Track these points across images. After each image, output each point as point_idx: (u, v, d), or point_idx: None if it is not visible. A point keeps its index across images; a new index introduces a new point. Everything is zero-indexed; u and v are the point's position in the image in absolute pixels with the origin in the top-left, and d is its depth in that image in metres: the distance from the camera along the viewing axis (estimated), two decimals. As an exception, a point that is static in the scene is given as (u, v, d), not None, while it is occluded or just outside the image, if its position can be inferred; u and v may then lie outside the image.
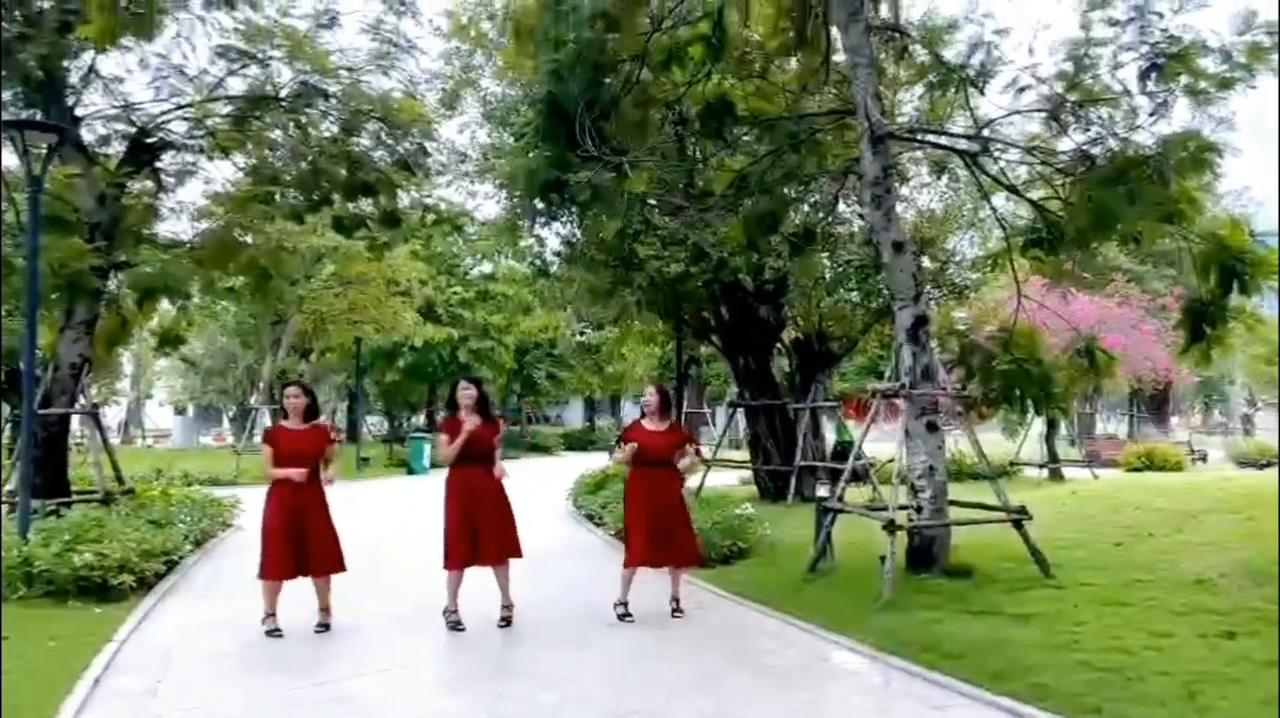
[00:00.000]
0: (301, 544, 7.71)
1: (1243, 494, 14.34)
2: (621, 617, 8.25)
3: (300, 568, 7.78)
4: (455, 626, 7.90)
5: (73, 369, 12.31)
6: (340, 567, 7.98)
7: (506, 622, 8.03)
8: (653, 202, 15.37)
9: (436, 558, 7.99)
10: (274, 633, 7.67)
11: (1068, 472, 24.18)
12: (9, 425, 12.61)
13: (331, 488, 7.97)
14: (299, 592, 7.94)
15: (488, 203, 37.03)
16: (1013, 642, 7.09)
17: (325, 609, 7.96)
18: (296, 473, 7.63)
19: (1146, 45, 9.71)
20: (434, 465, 29.09)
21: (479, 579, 8.05)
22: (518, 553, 8.12)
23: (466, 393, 8.07)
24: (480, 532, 7.87)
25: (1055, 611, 8.03)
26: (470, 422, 7.92)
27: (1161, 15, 9.64)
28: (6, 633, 7.31)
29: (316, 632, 7.80)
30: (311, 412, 8.06)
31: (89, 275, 11.57)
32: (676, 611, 8.45)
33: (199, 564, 11.38)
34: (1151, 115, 9.97)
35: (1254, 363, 45.82)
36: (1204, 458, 31.14)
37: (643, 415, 8.67)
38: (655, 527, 8.23)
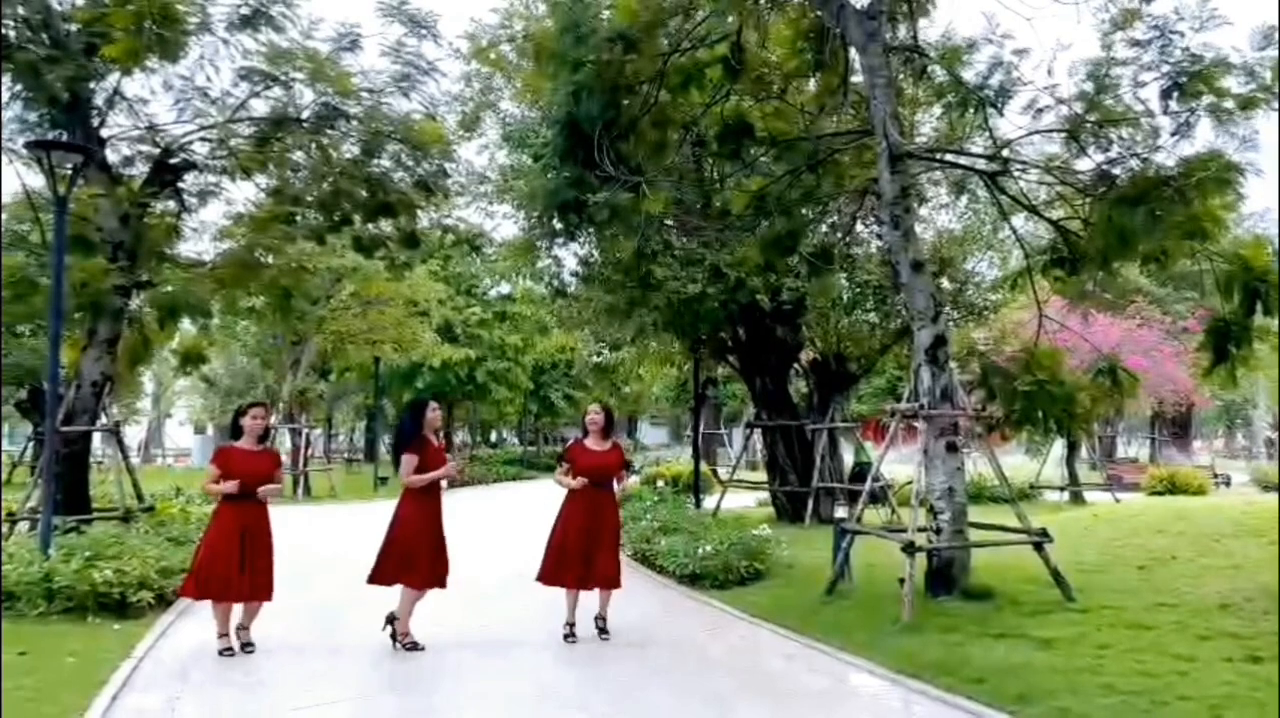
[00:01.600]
0: (241, 568, 7.56)
1: (1266, 518, 14.15)
2: (567, 637, 8.14)
3: (233, 591, 7.61)
4: (413, 647, 7.79)
5: (95, 387, 12.40)
6: (267, 595, 7.78)
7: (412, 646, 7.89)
8: (670, 222, 15.42)
9: (459, 578, 7.96)
10: (227, 652, 7.59)
11: (1089, 495, 23.98)
12: (32, 443, 12.68)
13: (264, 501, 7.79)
14: (310, 611, 7.94)
15: (506, 223, 37.30)
16: (1034, 665, 7.01)
17: (246, 628, 7.82)
18: (229, 485, 7.54)
19: (1168, 65, 9.69)
20: (451, 485, 29.05)
21: (488, 597, 8.03)
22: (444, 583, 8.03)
23: (435, 414, 8.07)
24: (438, 552, 7.88)
25: (1077, 634, 7.94)
26: (448, 467, 7.95)
27: (1183, 34, 9.62)
28: (25, 648, 7.35)
29: (223, 654, 7.60)
30: (265, 433, 8.01)
31: (111, 295, 11.67)
32: (604, 631, 8.28)
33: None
34: (1173, 135, 9.93)
35: (1277, 386, 45.41)
36: (1227, 482, 30.80)
37: (585, 434, 8.52)
38: (577, 547, 8.12)
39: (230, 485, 7.54)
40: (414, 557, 7.78)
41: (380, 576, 7.82)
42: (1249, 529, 13.06)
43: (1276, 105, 9.32)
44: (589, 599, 8.30)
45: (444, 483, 8.02)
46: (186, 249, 14.14)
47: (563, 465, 8.48)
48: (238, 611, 7.80)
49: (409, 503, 7.90)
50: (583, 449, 8.41)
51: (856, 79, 11.55)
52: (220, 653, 7.57)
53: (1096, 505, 20.87)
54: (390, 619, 7.88)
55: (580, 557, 8.12)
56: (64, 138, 11.82)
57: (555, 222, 14.51)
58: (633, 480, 8.52)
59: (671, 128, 12.19)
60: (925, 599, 9.20)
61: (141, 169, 13.18)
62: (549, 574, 8.25)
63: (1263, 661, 6.99)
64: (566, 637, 8.15)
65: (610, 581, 8.26)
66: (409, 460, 7.82)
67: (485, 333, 36.58)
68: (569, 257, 18.86)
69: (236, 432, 7.89)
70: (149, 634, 8.28)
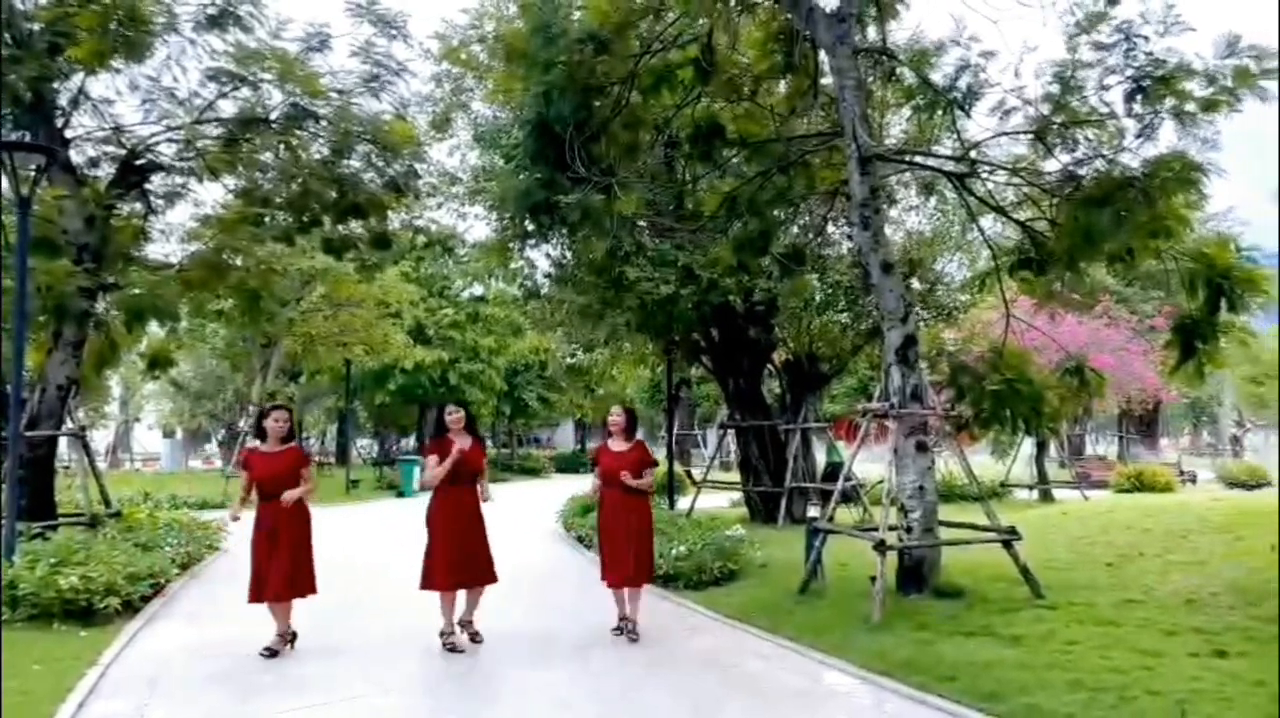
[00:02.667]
0: (276, 565, 7.68)
1: (1232, 514, 14.36)
2: (617, 632, 8.32)
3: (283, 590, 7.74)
4: (453, 648, 7.86)
5: (60, 391, 12.24)
6: (310, 588, 7.91)
7: (477, 637, 8.06)
8: (643, 223, 15.43)
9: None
10: (272, 652, 7.71)
11: (1058, 493, 24.22)
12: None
13: (285, 506, 7.78)
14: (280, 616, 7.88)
15: (478, 224, 37.17)
16: (1004, 662, 7.07)
17: (282, 636, 7.88)
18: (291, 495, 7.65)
19: (1132, 68, 9.80)
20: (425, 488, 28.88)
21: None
22: (494, 578, 8.14)
23: (454, 416, 8.11)
24: (466, 553, 7.90)
25: (1046, 631, 8.02)
26: (461, 441, 7.96)
27: (1147, 39, 9.74)
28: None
29: (263, 656, 7.67)
30: (289, 435, 8.05)
31: (77, 297, 11.54)
32: (633, 633, 8.36)
33: (185, 588, 11.28)
34: (1138, 137, 10.05)
35: (1242, 384, 46.12)
36: (1193, 479, 31.21)
37: (609, 436, 8.66)
38: (623, 547, 8.23)
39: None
40: (434, 558, 7.91)
41: (440, 582, 7.93)
42: (1214, 526, 13.23)
43: (1277, 104, 9.46)
44: (576, 602, 8.33)
45: (484, 478, 8.16)
46: (153, 251, 14.01)
47: (596, 469, 8.66)
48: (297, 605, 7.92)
49: (431, 505, 8.06)
50: (606, 451, 8.56)
51: (826, 81, 11.61)
52: (269, 653, 7.71)
53: (1065, 503, 21.07)
54: (464, 625, 8.10)
55: (620, 556, 8.25)
56: (27, 138, 11.67)
57: (527, 223, 14.50)
58: (650, 477, 8.55)
59: (643, 129, 12.21)
60: (897, 598, 9.26)
61: (107, 170, 13.05)
62: (609, 577, 8.38)
63: (1228, 655, 7.10)
64: (616, 630, 8.36)
65: (645, 576, 8.52)
66: (428, 463, 8.08)
67: (458, 335, 36.45)
68: (541, 258, 18.87)
69: (261, 434, 8.02)
70: (116, 641, 8.18)
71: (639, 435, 8.75)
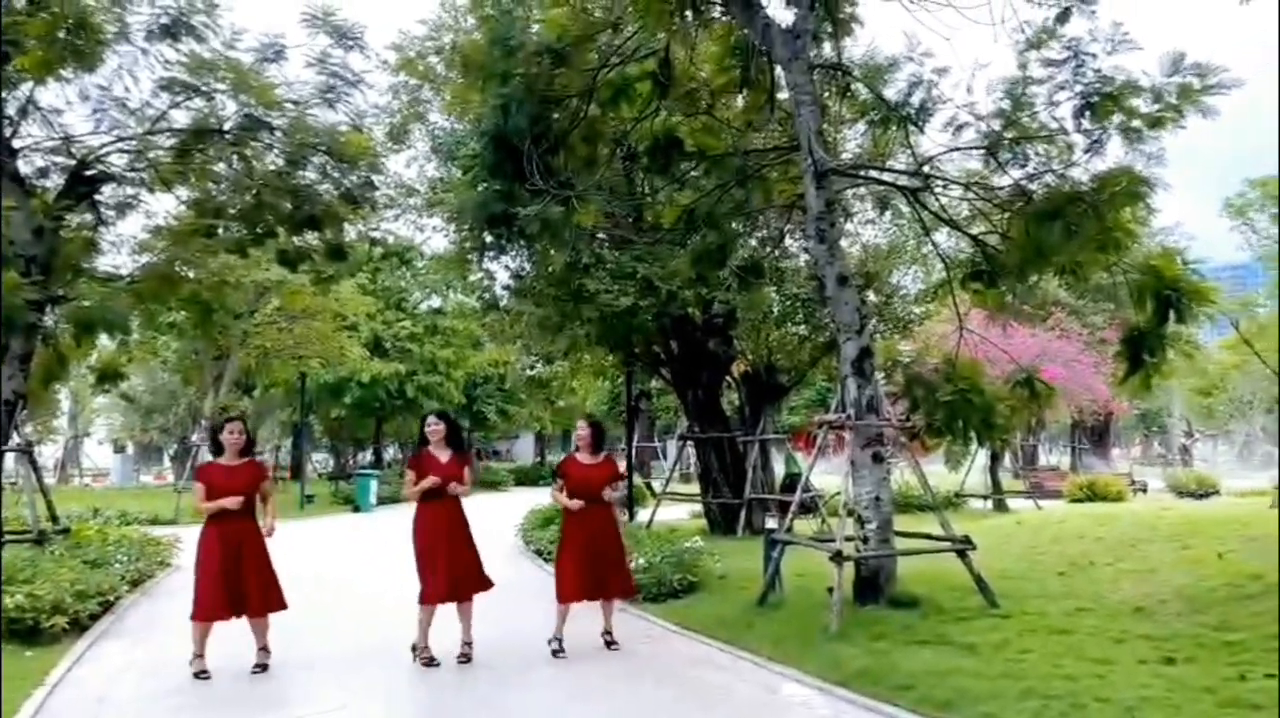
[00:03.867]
0: (238, 583, 7.51)
1: (1181, 523, 14.65)
2: (555, 653, 8.15)
3: (237, 608, 7.56)
4: (430, 662, 7.77)
5: (7, 406, 11.97)
6: (280, 604, 7.81)
7: (466, 658, 7.92)
8: (602, 235, 15.45)
9: (381, 597, 7.89)
10: (202, 675, 7.42)
11: (1011, 503, 24.52)
12: (-62, 464, 12.23)
13: (270, 537, 7.76)
14: (234, 632, 7.76)
15: (436, 236, 36.94)
16: (959, 671, 7.13)
17: (264, 649, 7.77)
18: (231, 501, 7.46)
19: (1081, 85, 10.02)
20: (382, 502, 28.73)
21: (438, 616, 7.92)
22: (488, 585, 8.11)
23: (434, 428, 8.05)
24: (455, 566, 7.83)
25: (1000, 639, 8.11)
26: (440, 454, 7.97)
27: (1095, 56, 9.96)
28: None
29: (254, 672, 7.59)
30: (247, 448, 7.91)
31: (24, 309, 11.30)
32: (612, 643, 8.39)
33: (136, 605, 11.08)
34: (1086, 152, 10.27)
35: (1191, 395, 47.07)
36: (1144, 488, 31.76)
37: (576, 449, 8.65)
38: (590, 561, 8.20)
39: (231, 502, 7.47)
40: (422, 571, 7.84)
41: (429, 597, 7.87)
42: (1164, 534, 13.49)
43: (1278, 112, 9.72)
44: (532, 617, 8.28)
45: (458, 493, 8.03)
46: (104, 263, 13.75)
47: (557, 482, 8.53)
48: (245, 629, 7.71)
49: (416, 517, 8.00)
50: (574, 464, 8.50)
51: (783, 95, 11.72)
52: (195, 676, 7.40)
53: (1019, 513, 21.37)
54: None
55: (586, 571, 8.18)
56: (-27, 148, 11.45)
57: (485, 235, 14.45)
58: (618, 492, 8.53)
59: (601, 142, 12.25)
60: (854, 608, 9.31)
61: (56, 181, 12.81)
62: (569, 592, 8.26)
63: (1176, 662, 7.22)
64: (555, 652, 8.17)
65: (628, 589, 8.57)
66: (407, 476, 8.05)
67: (415, 347, 36.17)
68: (500, 270, 18.81)
69: (218, 448, 7.81)
70: (64, 661, 8.01)
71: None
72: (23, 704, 6.67)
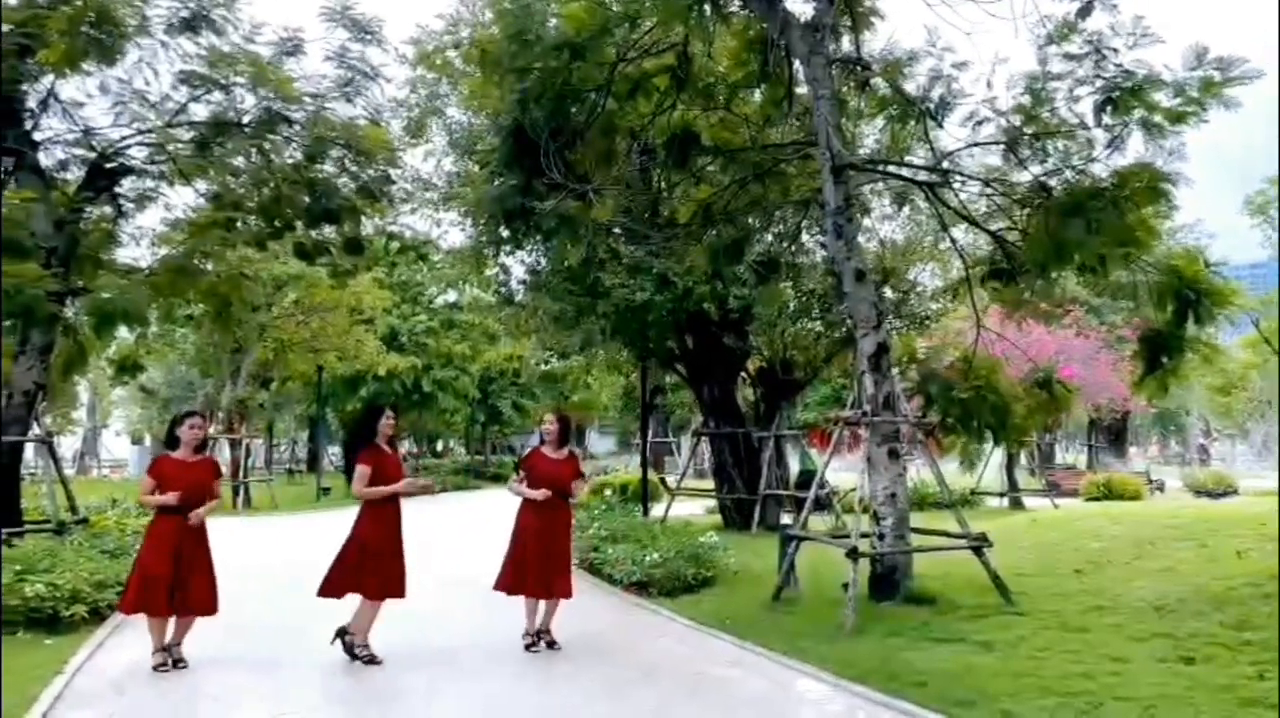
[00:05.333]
0: (176, 580, 7.36)
1: (1198, 522, 14.56)
2: (529, 647, 8.09)
3: (170, 604, 7.40)
4: (370, 660, 7.64)
5: (27, 397, 12.07)
6: (210, 609, 7.60)
7: (551, 644, 8.01)
8: (618, 230, 15.44)
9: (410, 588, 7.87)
10: (162, 667, 7.36)
11: (1028, 501, 24.42)
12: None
13: (193, 523, 7.49)
14: (252, 625, 7.80)
15: (453, 231, 37.08)
16: (975, 669, 7.11)
17: (178, 644, 7.59)
18: (171, 497, 7.34)
19: (1102, 79, 9.94)
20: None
21: (438, 610, 7.95)
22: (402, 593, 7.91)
23: (389, 422, 7.91)
24: (396, 562, 7.77)
25: (1016, 637, 8.08)
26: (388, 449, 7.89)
27: (1116, 50, 9.88)
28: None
29: (158, 669, 7.38)
30: (202, 444, 7.80)
31: (45, 301, 11.37)
32: (553, 643, 8.20)
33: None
34: (1107, 147, 10.19)
35: (1210, 394, 46.73)
36: (1161, 487, 31.55)
37: (542, 443, 8.51)
38: (535, 556, 8.07)
39: (170, 497, 7.34)
40: (372, 568, 7.64)
41: (329, 587, 7.67)
42: (1182, 533, 13.40)
43: (1278, 116, 9.63)
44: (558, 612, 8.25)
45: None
46: (123, 255, 13.84)
47: (518, 474, 8.43)
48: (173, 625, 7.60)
49: (367, 514, 7.78)
50: (540, 458, 8.38)
51: (801, 90, 11.68)
52: (155, 669, 7.36)
53: (1035, 511, 21.29)
54: (340, 633, 7.73)
55: (539, 565, 8.07)
56: (-5, 141, 11.53)
57: (502, 229, 14.48)
58: (583, 490, 8.47)
59: (619, 136, 12.23)
60: (869, 604, 9.29)
61: (77, 173, 12.90)
62: (509, 583, 8.19)
63: (1195, 661, 7.17)
64: (529, 647, 8.09)
65: (565, 591, 8.24)
66: (362, 471, 7.69)
67: (431, 341, 36.27)
68: (516, 264, 18.85)
69: (173, 442, 7.68)
70: (83, 649, 8.07)
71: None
72: (42, 693, 6.72)
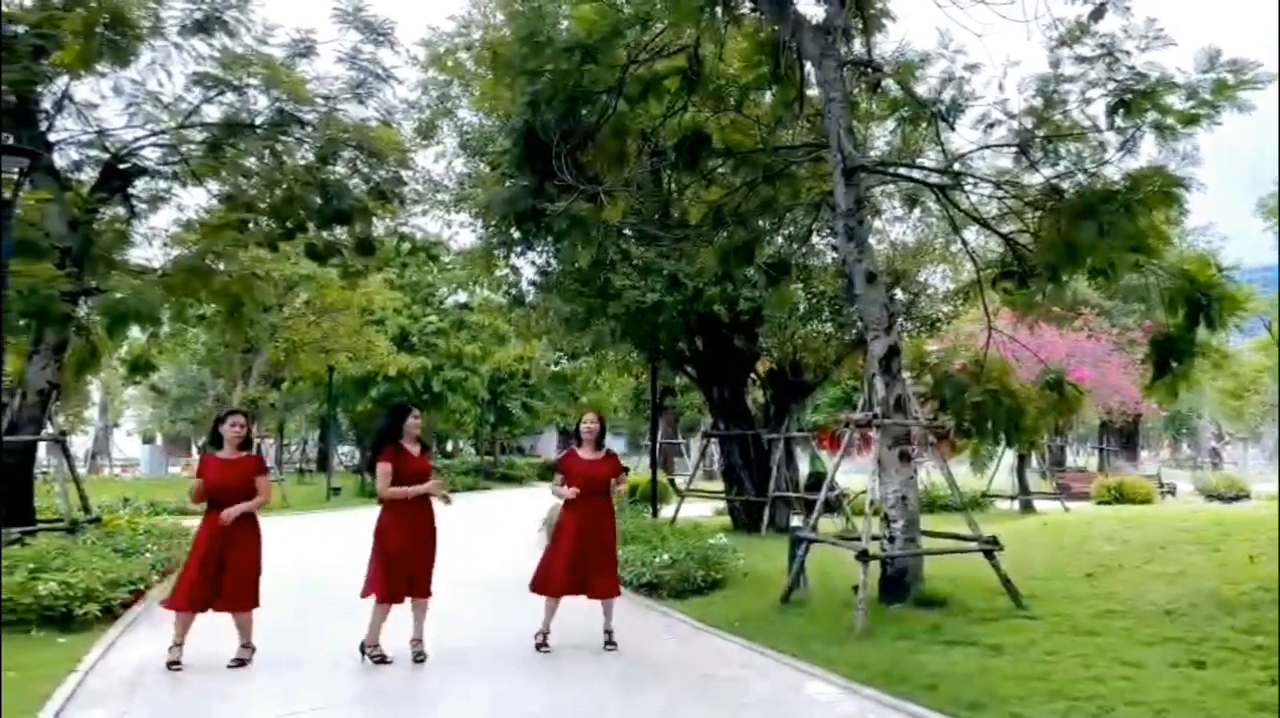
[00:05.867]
0: (217, 577, 7.46)
1: (1210, 526, 14.50)
2: (539, 647, 8.11)
3: (210, 602, 7.50)
4: (380, 660, 7.65)
5: (40, 396, 12.15)
6: (250, 604, 7.68)
7: (421, 657, 7.78)
8: (628, 231, 15.46)
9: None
10: (174, 666, 7.39)
11: (1039, 504, 24.35)
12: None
13: (224, 522, 7.52)
14: (263, 624, 7.82)
15: (463, 232, 37.12)
16: (986, 672, 7.10)
17: (246, 646, 7.70)
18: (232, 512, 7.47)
19: (1114, 82, 9.92)
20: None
21: (450, 610, 7.96)
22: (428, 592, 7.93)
23: (416, 421, 7.91)
24: (413, 567, 7.75)
25: (1027, 641, 8.06)
26: (413, 449, 7.87)
27: (1129, 53, 9.86)
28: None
29: (230, 667, 7.49)
30: (246, 442, 7.86)
31: (58, 301, 11.46)
32: (610, 643, 8.25)
33: (165, 594, 11.18)
34: (1119, 150, 10.16)
35: (1221, 398, 46.52)
36: (1173, 491, 31.43)
37: (579, 444, 8.51)
38: (580, 557, 8.10)
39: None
40: (384, 569, 7.65)
41: (365, 587, 7.71)
42: (1193, 538, 13.35)
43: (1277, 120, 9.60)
44: (559, 612, 8.25)
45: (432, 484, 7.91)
46: (136, 255, 13.93)
47: (558, 477, 8.44)
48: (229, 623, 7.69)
49: (385, 515, 7.78)
50: (576, 459, 8.40)
51: (812, 92, 11.68)
52: (169, 665, 7.39)
53: (1046, 514, 21.22)
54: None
55: (573, 566, 8.10)
56: (10, 142, 11.59)
57: (513, 230, 14.50)
58: (620, 489, 8.49)
59: (630, 138, 12.23)
60: (879, 607, 9.28)
61: (91, 174, 13.00)
62: (540, 583, 8.26)
63: (1207, 666, 7.15)
64: (539, 646, 8.11)
65: (614, 589, 8.34)
66: (383, 470, 7.68)
67: (442, 342, 36.34)
68: (527, 265, 18.86)
69: (217, 440, 7.79)
70: (95, 648, 8.11)
71: (609, 443, 8.71)
72: (55, 691, 6.75)
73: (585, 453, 8.39)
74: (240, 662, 7.61)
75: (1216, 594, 9.63)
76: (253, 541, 7.70)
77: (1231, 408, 49.24)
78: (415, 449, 7.90)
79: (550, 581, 8.17)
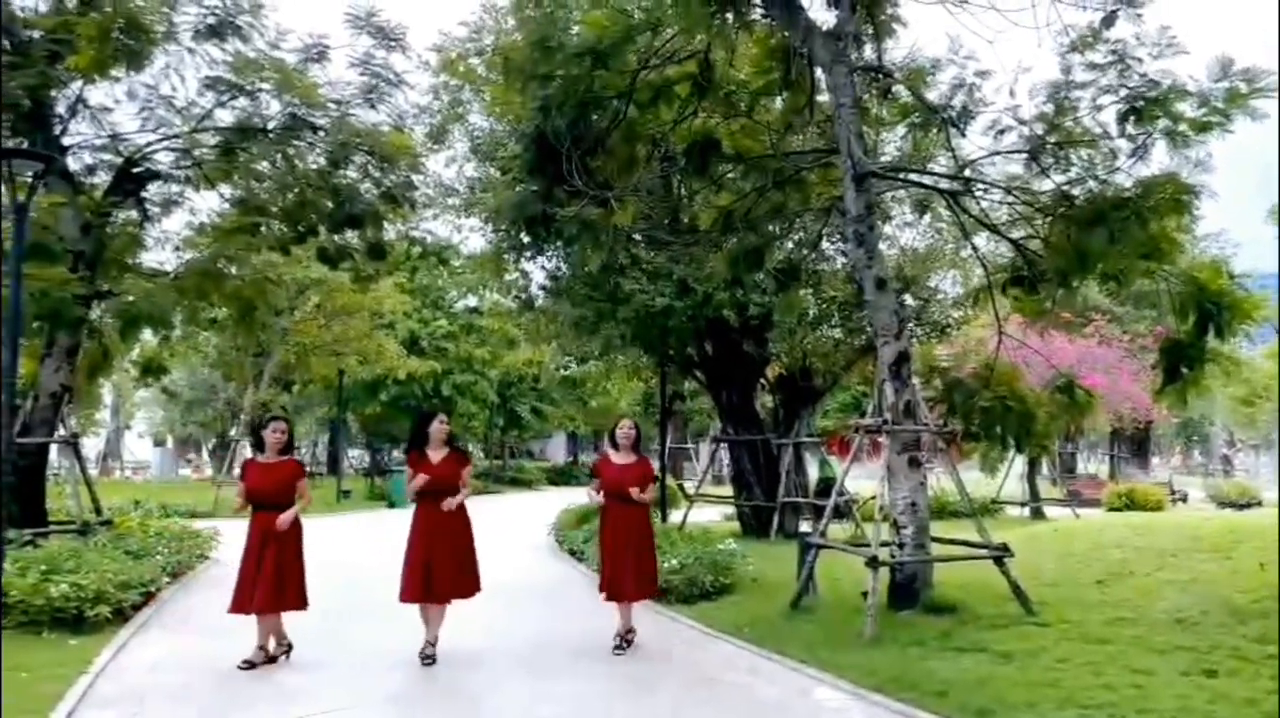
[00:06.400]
0: (263, 577, 7.57)
1: (1222, 534, 14.41)
2: (616, 648, 8.29)
3: (268, 603, 7.61)
4: (428, 660, 7.80)
5: (53, 398, 12.21)
6: (297, 604, 7.82)
7: (432, 659, 7.85)
8: (638, 236, 15.48)
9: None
10: (244, 666, 7.57)
11: (1049, 510, 24.27)
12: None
13: (279, 527, 7.67)
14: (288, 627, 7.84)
15: (474, 236, 37.18)
16: (995, 679, 7.08)
17: (276, 642, 7.82)
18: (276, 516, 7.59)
19: (1126, 89, 9.89)
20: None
21: (461, 613, 7.98)
22: (474, 590, 8.08)
23: (442, 427, 8.05)
24: (436, 568, 7.82)
25: (1037, 648, 8.04)
26: (437, 454, 7.99)
27: (1140, 60, 9.83)
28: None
29: (240, 668, 7.56)
30: (286, 447, 8.01)
31: (71, 304, 11.52)
32: (626, 643, 8.37)
33: (176, 596, 11.25)
34: (1130, 157, 10.14)
35: (1233, 404, 46.30)
36: (1184, 498, 31.28)
37: (615, 448, 8.59)
38: (617, 559, 8.27)
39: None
40: (408, 571, 7.85)
41: (408, 595, 7.90)
42: (1205, 545, 13.26)
43: (1278, 128, 9.57)
44: (565, 615, 8.29)
45: (464, 489, 8.05)
46: (149, 259, 14.02)
47: (594, 481, 8.63)
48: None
49: (414, 517, 8.01)
50: (606, 463, 8.55)
51: (823, 98, 11.68)
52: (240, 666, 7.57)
53: (1057, 521, 21.11)
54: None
55: (621, 567, 8.26)
56: (25, 145, 11.67)
57: (523, 235, 14.53)
58: (648, 493, 8.56)
59: (640, 143, 12.25)
60: (888, 613, 9.26)
61: (104, 178, 13.07)
62: (605, 587, 8.44)
63: (1219, 674, 7.12)
64: (617, 648, 8.30)
65: (652, 589, 8.63)
66: (408, 474, 8.06)
67: (451, 346, 36.41)
68: (537, 270, 18.91)
69: (259, 445, 8.01)
70: (106, 650, 8.15)
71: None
72: (67, 692, 6.80)
73: (619, 458, 8.49)
74: (273, 659, 7.76)
75: (1228, 602, 9.58)
76: (298, 542, 7.86)
77: (1244, 415, 49.01)
78: (439, 454, 8.01)
79: (611, 586, 8.36)
